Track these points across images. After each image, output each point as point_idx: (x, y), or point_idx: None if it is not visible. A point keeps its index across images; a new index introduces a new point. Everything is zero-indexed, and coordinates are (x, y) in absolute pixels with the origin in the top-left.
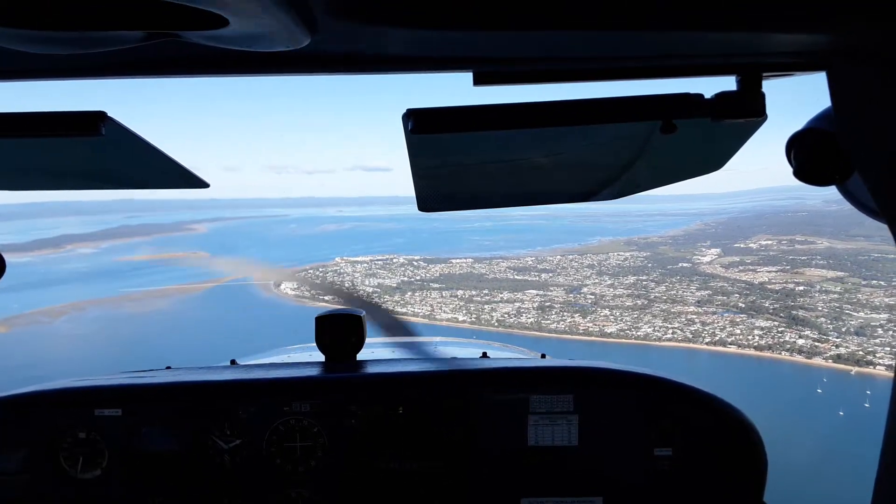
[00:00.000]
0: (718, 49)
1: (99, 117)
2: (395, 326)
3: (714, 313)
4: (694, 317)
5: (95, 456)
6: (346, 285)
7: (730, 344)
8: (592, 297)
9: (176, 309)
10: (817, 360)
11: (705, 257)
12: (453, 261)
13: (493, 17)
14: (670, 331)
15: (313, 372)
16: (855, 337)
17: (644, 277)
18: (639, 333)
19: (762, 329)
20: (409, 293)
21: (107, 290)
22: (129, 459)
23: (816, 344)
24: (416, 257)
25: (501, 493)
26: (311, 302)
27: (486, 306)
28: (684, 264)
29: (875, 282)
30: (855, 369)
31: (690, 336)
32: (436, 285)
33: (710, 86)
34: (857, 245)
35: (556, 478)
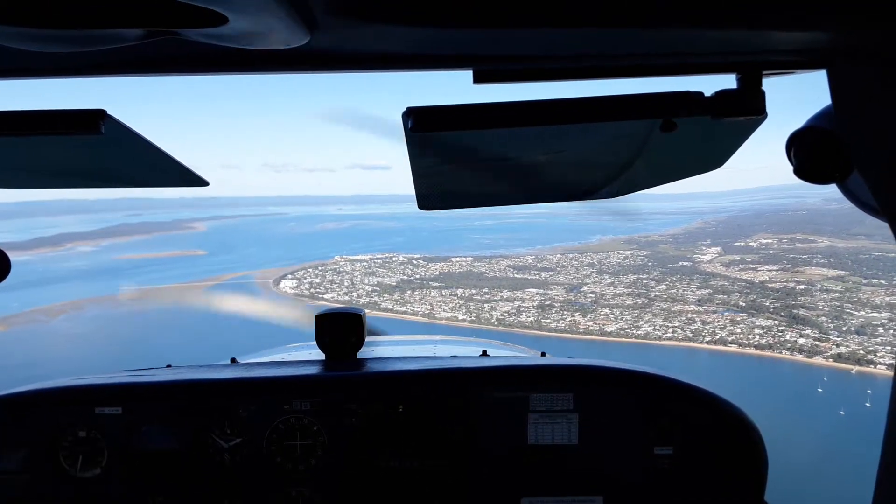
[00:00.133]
0: (718, 47)
1: (99, 115)
2: None
3: (714, 312)
4: (694, 316)
5: (95, 454)
6: (346, 284)
7: (730, 343)
8: (592, 295)
9: (175, 307)
10: (818, 360)
11: (705, 256)
12: (453, 259)
13: (493, 14)
14: (671, 330)
15: (313, 370)
16: (856, 336)
17: (644, 276)
18: (639, 332)
19: (763, 328)
20: (409, 292)
21: (106, 288)
22: (130, 458)
23: (817, 343)
24: (415, 256)
25: (501, 492)
26: (311, 301)
27: (485, 305)
28: (685, 263)
29: (876, 280)
30: (856, 368)
31: (691, 335)
32: (435, 284)
33: (710, 84)
34: (857, 244)
35: (556, 476)
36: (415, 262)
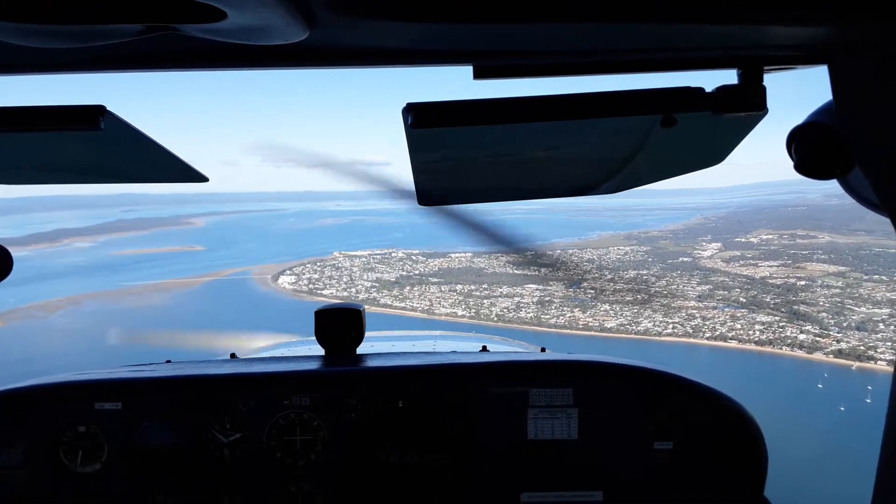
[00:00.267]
0: (719, 42)
1: (98, 111)
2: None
3: (715, 308)
4: (695, 312)
5: (95, 450)
6: (345, 280)
7: (731, 339)
8: (592, 291)
9: (173, 303)
10: (818, 356)
11: (706, 252)
12: (452, 255)
13: (494, 10)
14: (671, 326)
15: (313, 366)
16: (856, 332)
17: (644, 272)
18: (639, 328)
19: (763, 324)
20: (408, 288)
21: (103, 284)
22: (129, 453)
23: (818, 339)
24: (414, 252)
25: (501, 487)
26: (309, 297)
27: (485, 301)
28: (684, 259)
29: (877, 276)
30: (856, 364)
31: (691, 331)
32: (434, 280)
33: (711, 79)
34: (858, 239)
35: (555, 471)
36: (414, 257)
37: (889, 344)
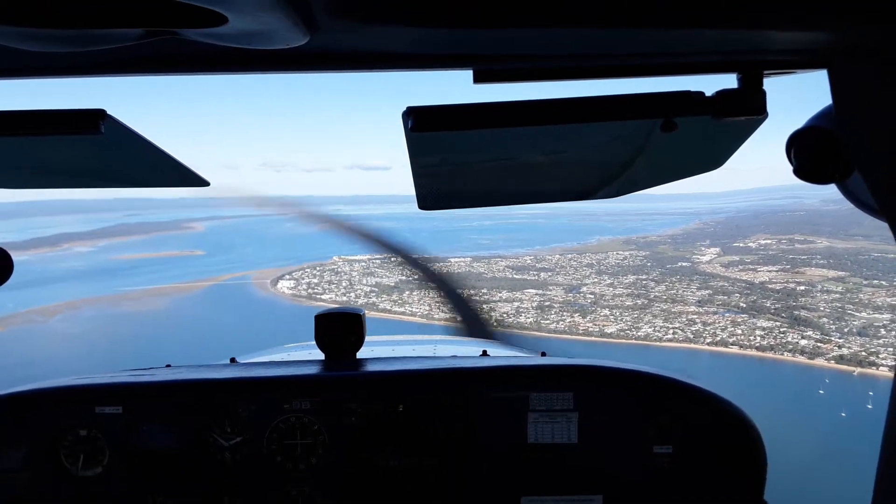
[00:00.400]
0: (719, 47)
1: (98, 115)
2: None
3: (715, 313)
4: (695, 317)
5: (96, 453)
6: (344, 284)
7: (731, 344)
8: (592, 296)
9: (173, 308)
10: (820, 361)
11: (704, 256)
12: (452, 260)
13: (494, 14)
14: (671, 331)
15: (313, 370)
16: (858, 337)
17: (644, 276)
18: (639, 334)
19: (764, 329)
20: (407, 292)
21: (103, 288)
22: (130, 457)
23: (819, 345)
24: (414, 256)
25: (501, 491)
26: (308, 301)
27: (484, 306)
28: (684, 263)
29: (876, 281)
30: (857, 370)
31: (691, 336)
32: (434, 284)
33: (710, 83)
34: (856, 244)
35: (555, 475)
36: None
37: (891, 350)
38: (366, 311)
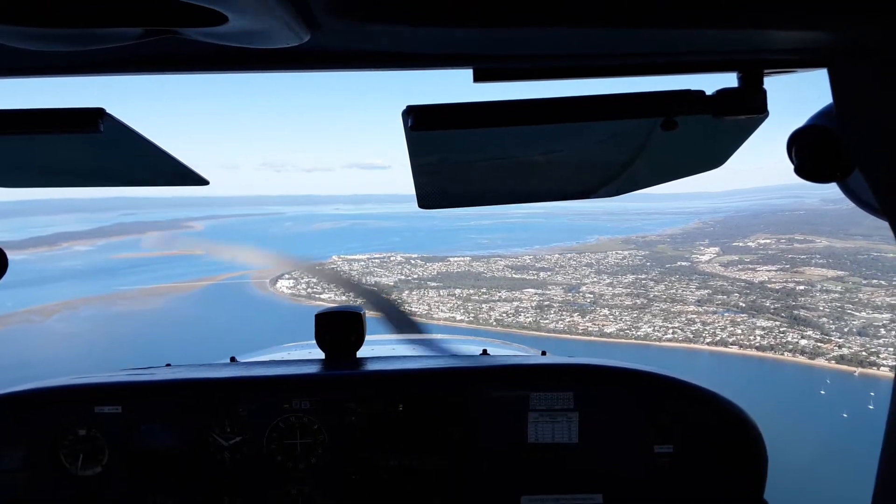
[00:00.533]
0: (720, 45)
1: (97, 114)
2: (405, 324)
3: (714, 313)
4: (694, 316)
5: (96, 453)
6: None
7: (731, 344)
8: (591, 296)
9: (171, 307)
10: (820, 361)
11: (704, 256)
12: (451, 259)
13: (494, 13)
14: (670, 330)
15: (313, 369)
16: (858, 337)
17: (643, 276)
18: (639, 333)
19: (764, 329)
20: (407, 292)
21: (101, 287)
22: (130, 456)
23: (819, 344)
24: (413, 255)
25: (501, 491)
26: (307, 301)
27: (483, 305)
28: (683, 263)
29: (875, 281)
30: (858, 370)
31: (691, 336)
32: (433, 284)
33: (711, 82)
34: (855, 244)
35: (556, 475)
36: (413, 261)
37: (891, 349)
38: (365, 311)
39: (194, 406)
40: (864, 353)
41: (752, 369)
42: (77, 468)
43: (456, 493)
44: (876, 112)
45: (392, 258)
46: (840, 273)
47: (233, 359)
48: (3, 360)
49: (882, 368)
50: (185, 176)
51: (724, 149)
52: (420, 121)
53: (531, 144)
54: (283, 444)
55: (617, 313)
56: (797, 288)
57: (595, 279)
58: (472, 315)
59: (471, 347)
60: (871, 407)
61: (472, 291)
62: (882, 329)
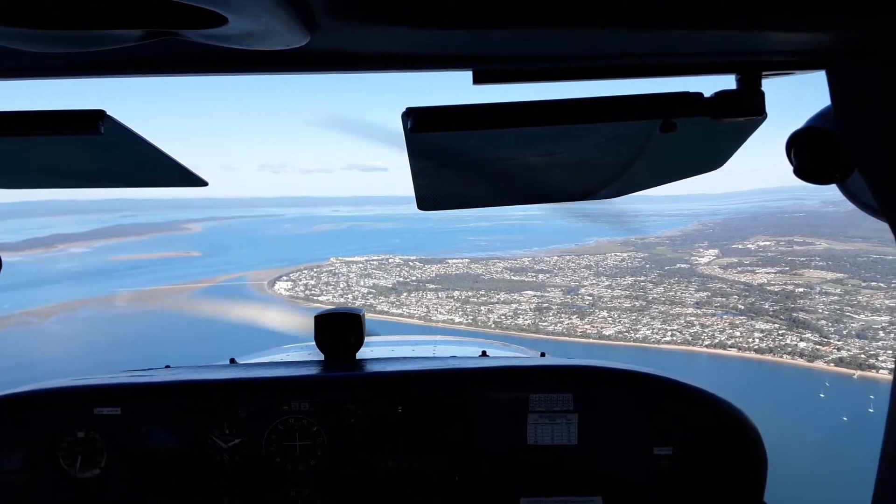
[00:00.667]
0: (718, 47)
1: (98, 116)
2: None
3: (713, 315)
4: (693, 319)
5: (94, 455)
6: (342, 286)
7: (730, 347)
8: (590, 298)
9: (168, 309)
10: (819, 364)
11: (703, 258)
12: (449, 261)
13: (493, 15)
14: (669, 333)
15: (313, 371)
16: (857, 340)
17: (642, 278)
18: (637, 336)
19: (762, 331)
20: (405, 294)
21: (98, 289)
22: (129, 458)
23: (818, 347)
24: (412, 257)
25: (501, 492)
26: (305, 303)
27: (482, 307)
28: (682, 265)
29: (875, 283)
30: (857, 373)
31: (690, 338)
32: (432, 286)
33: (709, 84)
34: (855, 246)
35: (555, 477)
36: (411, 263)
37: (890, 352)
38: (364, 313)
39: (193, 408)
40: (863, 356)
41: (751, 372)
42: (76, 470)
43: (455, 495)
44: (875, 112)
45: (391, 260)
46: (839, 275)
47: (232, 360)
48: (1, 363)
49: (881, 371)
50: (185, 177)
51: (722, 150)
52: (420, 123)
53: (531, 146)
54: (283, 446)
55: (616, 315)
56: (796, 290)
57: (594, 281)
58: (471, 317)
59: (470, 349)
60: (870, 410)
61: (470, 293)
62: (881, 332)
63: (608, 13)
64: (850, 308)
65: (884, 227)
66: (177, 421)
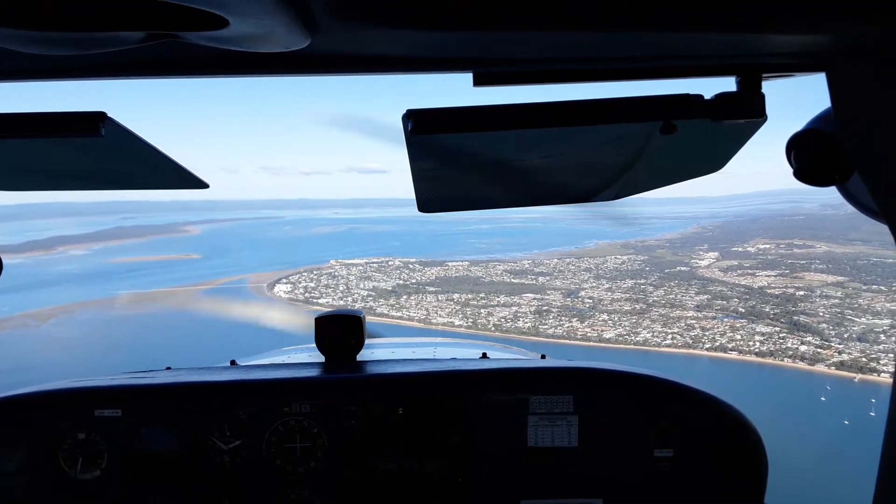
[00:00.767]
0: (718, 50)
1: (99, 118)
2: None
3: (714, 318)
4: (693, 322)
5: (95, 456)
6: (341, 288)
7: (731, 350)
8: (590, 301)
9: (169, 312)
10: (820, 367)
11: (703, 261)
12: (449, 264)
13: (494, 17)
14: (670, 336)
15: (313, 372)
16: (857, 343)
17: (642, 281)
18: (638, 339)
19: (763, 335)
20: (405, 296)
21: (98, 292)
22: (129, 460)
23: (819, 350)
24: (412, 260)
25: (501, 494)
26: (305, 305)
27: (482, 310)
28: (682, 268)
29: (875, 286)
30: (858, 376)
31: (690, 341)
32: (432, 289)
33: (709, 86)
34: (855, 249)
35: (555, 479)
36: (411, 266)
37: (891, 356)
38: (364, 315)
39: (194, 409)
40: (864, 359)
41: (751, 375)
42: (77, 471)
43: (455, 497)
44: (876, 114)
45: (390, 262)
46: (840, 278)
47: (233, 362)
48: (0, 365)
49: (882, 375)
50: (186, 179)
51: (722, 153)
52: (420, 125)
53: (531, 148)
54: (283, 448)
55: (616, 318)
56: (797, 293)
57: (594, 284)
58: (471, 320)
59: (470, 351)
60: (872, 414)
61: (470, 296)
62: (882, 335)
63: (608, 15)
64: (850, 311)
65: (884, 229)
66: (177, 422)
